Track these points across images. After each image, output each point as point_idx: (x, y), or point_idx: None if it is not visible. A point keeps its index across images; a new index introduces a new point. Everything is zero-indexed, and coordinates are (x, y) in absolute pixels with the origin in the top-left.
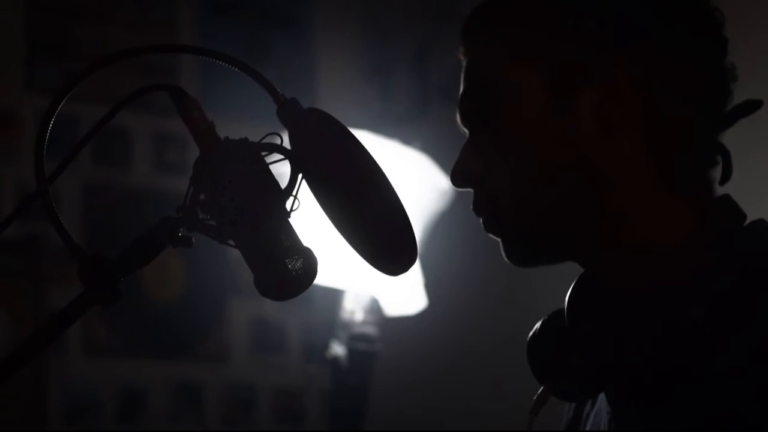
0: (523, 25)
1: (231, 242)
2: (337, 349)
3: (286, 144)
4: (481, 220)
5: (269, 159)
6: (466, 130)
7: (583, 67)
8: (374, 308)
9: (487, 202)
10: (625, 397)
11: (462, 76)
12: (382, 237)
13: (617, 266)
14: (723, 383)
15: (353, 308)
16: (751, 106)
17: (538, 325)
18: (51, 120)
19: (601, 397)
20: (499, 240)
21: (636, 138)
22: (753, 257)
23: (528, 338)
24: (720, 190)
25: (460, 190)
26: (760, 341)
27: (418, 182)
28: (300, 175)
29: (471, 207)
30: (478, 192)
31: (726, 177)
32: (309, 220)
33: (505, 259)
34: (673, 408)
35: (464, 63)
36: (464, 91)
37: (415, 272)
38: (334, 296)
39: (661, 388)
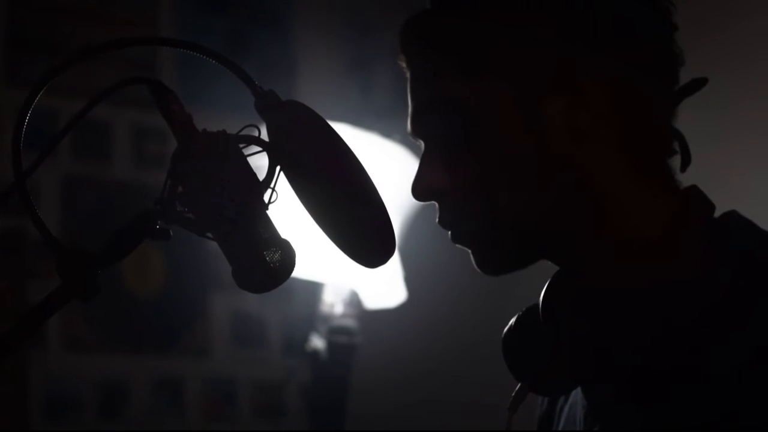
0: (477, 37)
1: (209, 235)
2: (317, 342)
3: (264, 136)
4: (450, 232)
5: (247, 151)
6: (420, 140)
7: (546, 76)
8: (354, 301)
9: (455, 215)
10: (623, 396)
11: (411, 86)
12: (361, 229)
13: (601, 264)
14: (722, 383)
15: (333, 301)
16: (696, 85)
17: (512, 321)
18: (28, 113)
19: (576, 390)
20: (470, 251)
21: (610, 139)
22: (749, 253)
23: (503, 335)
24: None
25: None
26: (760, 340)
27: (397, 175)
28: (278, 167)
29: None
30: (443, 205)
31: (686, 162)
32: (287, 212)
33: (477, 268)
34: (673, 407)
35: (410, 73)
36: (419, 106)
37: (395, 265)
38: (313, 289)
39: (661, 388)
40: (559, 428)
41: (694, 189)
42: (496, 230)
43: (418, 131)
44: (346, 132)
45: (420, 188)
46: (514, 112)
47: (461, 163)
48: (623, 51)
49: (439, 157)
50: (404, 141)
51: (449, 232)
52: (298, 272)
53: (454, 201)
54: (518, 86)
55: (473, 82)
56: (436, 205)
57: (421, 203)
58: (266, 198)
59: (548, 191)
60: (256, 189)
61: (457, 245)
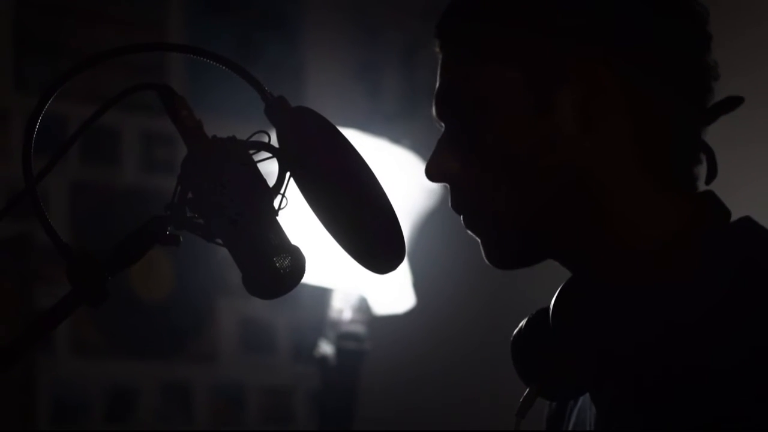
0: (501, 24)
1: (219, 241)
2: (326, 348)
3: (274, 142)
4: (461, 216)
5: (257, 157)
6: (442, 124)
7: (562, 64)
8: (363, 307)
9: (466, 200)
10: (625, 397)
11: (438, 71)
12: (371, 235)
13: (605, 265)
14: (725, 383)
15: (342, 307)
16: (732, 103)
17: (522, 323)
18: (38, 118)
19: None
20: (479, 240)
21: (622, 131)
22: (751, 256)
23: (512, 337)
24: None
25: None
26: (761, 340)
27: (406, 180)
28: (288, 174)
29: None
30: (455, 189)
31: (711, 176)
32: (297, 218)
33: (486, 260)
34: (674, 408)
35: (440, 58)
36: (442, 88)
37: (404, 271)
38: (322, 295)
39: (662, 388)
40: (569, 429)
41: (708, 194)
42: (496, 222)
43: (439, 114)
44: (354, 137)
45: (431, 169)
46: (524, 102)
47: (468, 151)
48: (644, 51)
49: (453, 141)
50: (413, 146)
51: (461, 217)
52: (307, 278)
53: (461, 187)
54: (532, 75)
55: (488, 68)
56: (448, 187)
57: (429, 208)
58: (276, 204)
59: (549, 186)
60: (261, 192)
61: (468, 232)
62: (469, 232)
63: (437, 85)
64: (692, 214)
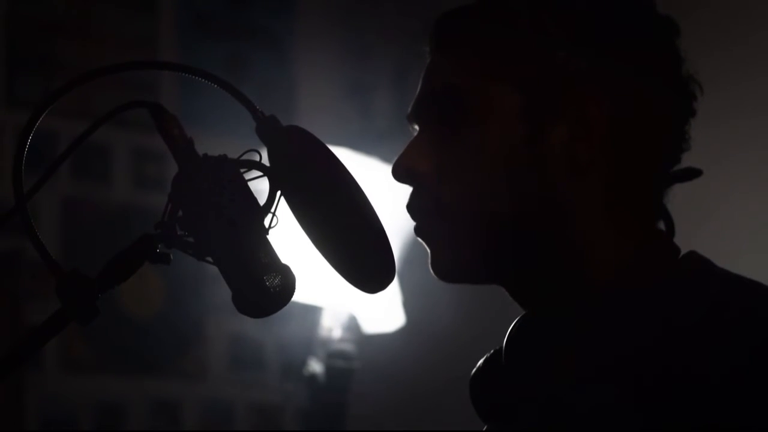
0: (508, 44)
1: (209, 259)
2: (315, 367)
3: (265, 161)
4: (417, 221)
5: (248, 176)
6: (416, 127)
7: (561, 99)
8: (352, 326)
9: (426, 202)
10: (623, 397)
11: (428, 71)
12: (361, 254)
13: (556, 298)
14: (722, 384)
15: (331, 325)
16: (689, 174)
17: (480, 362)
18: (29, 135)
19: None
20: (430, 248)
21: (600, 177)
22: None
23: (471, 376)
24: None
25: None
26: (759, 343)
27: (397, 200)
28: (279, 192)
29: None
30: (418, 192)
31: (671, 234)
32: (287, 237)
33: (432, 270)
34: (672, 408)
35: (432, 59)
36: (431, 90)
37: (394, 289)
38: (312, 313)
39: (661, 388)
40: None
41: (660, 234)
42: (462, 220)
43: (419, 115)
44: (345, 157)
45: (401, 167)
46: (520, 123)
47: (450, 154)
48: (636, 98)
49: (430, 143)
50: None
51: (416, 223)
52: (297, 296)
53: (429, 187)
54: (529, 103)
55: (488, 83)
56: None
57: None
58: (267, 223)
59: (512, 211)
60: (252, 211)
61: (419, 239)
62: (420, 239)
63: (424, 85)
64: (645, 253)
